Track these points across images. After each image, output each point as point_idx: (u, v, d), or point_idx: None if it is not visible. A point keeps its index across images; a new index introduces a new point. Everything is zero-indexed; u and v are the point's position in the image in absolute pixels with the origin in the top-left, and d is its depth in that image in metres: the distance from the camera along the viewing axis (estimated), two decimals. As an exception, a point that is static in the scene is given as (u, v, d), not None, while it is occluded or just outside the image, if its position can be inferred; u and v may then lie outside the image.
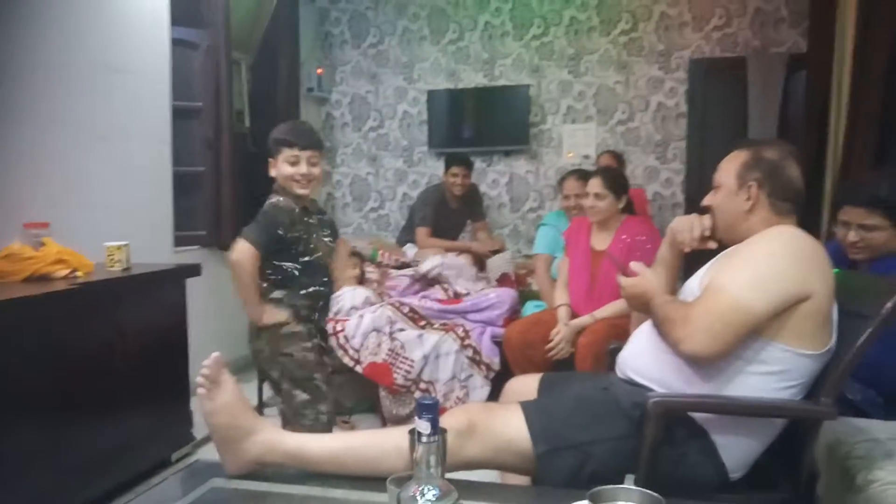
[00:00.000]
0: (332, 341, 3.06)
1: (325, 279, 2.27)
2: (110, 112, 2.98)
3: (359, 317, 3.21)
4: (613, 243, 2.87)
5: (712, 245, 1.69)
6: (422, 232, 4.33)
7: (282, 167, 2.17)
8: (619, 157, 4.54)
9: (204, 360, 1.41)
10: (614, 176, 2.98)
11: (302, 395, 2.18)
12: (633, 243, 2.84)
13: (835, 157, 3.68)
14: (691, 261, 1.80)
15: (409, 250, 4.29)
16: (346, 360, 3.09)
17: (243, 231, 2.13)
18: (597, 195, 2.88)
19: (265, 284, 2.18)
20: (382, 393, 3.12)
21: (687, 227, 1.70)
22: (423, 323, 3.30)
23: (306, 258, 2.19)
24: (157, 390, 2.68)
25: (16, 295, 2.02)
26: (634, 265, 1.68)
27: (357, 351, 3.11)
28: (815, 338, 1.45)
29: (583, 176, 3.45)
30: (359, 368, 3.10)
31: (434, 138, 5.34)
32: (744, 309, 1.39)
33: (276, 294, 2.18)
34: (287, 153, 2.16)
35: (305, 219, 2.20)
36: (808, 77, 4.22)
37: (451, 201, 4.44)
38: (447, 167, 4.38)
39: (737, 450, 1.48)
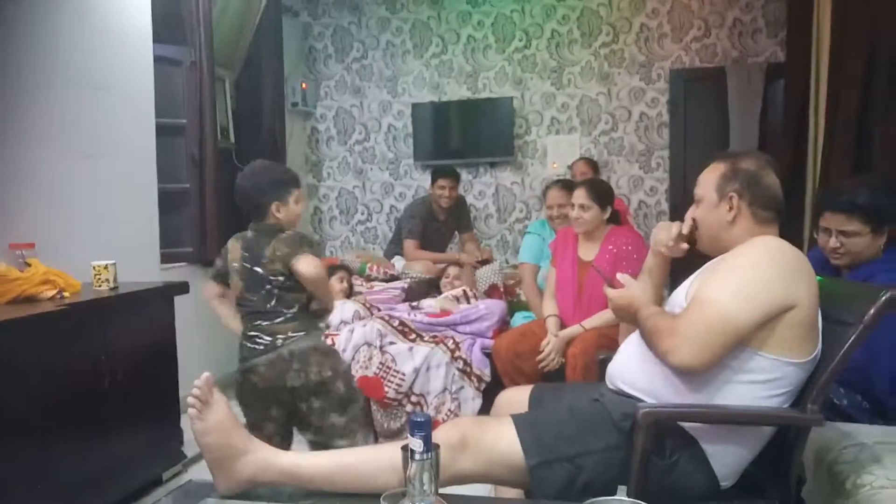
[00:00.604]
0: None
1: None
2: (94, 130, 2.97)
3: (349, 331, 3.20)
4: (600, 254, 2.89)
5: (683, 248, 1.73)
6: (410, 244, 4.34)
7: (294, 207, 2.23)
8: (594, 165, 4.58)
9: (195, 381, 1.41)
10: (600, 187, 2.98)
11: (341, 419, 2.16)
12: (620, 253, 2.86)
13: (814, 164, 3.74)
14: (677, 272, 1.82)
15: (398, 263, 4.30)
16: None
17: (295, 248, 2.11)
18: (582, 206, 2.88)
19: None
20: (374, 407, 3.11)
21: (665, 229, 1.75)
22: (412, 336, 3.30)
23: None
24: (148, 409, 2.66)
25: (2, 318, 2.00)
26: (621, 276, 1.70)
27: (348, 365, 3.11)
28: (801, 346, 1.47)
29: (566, 186, 3.47)
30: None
31: (420, 151, 5.36)
32: (730, 320, 1.40)
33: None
34: (297, 193, 2.24)
35: None
36: (786, 86, 4.29)
37: (439, 213, 4.45)
38: (434, 179, 4.39)
39: (727, 458, 1.49)
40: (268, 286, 2.14)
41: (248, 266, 2.16)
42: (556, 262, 3.07)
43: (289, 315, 2.14)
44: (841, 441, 1.69)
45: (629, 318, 1.65)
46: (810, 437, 1.54)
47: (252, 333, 2.14)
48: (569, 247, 3.02)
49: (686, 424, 1.49)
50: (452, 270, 4.05)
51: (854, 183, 2.24)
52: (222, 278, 2.29)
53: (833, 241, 2.11)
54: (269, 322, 2.13)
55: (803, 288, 1.45)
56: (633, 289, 1.66)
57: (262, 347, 2.11)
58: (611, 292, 1.68)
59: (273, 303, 2.14)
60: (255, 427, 2.12)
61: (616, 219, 3.07)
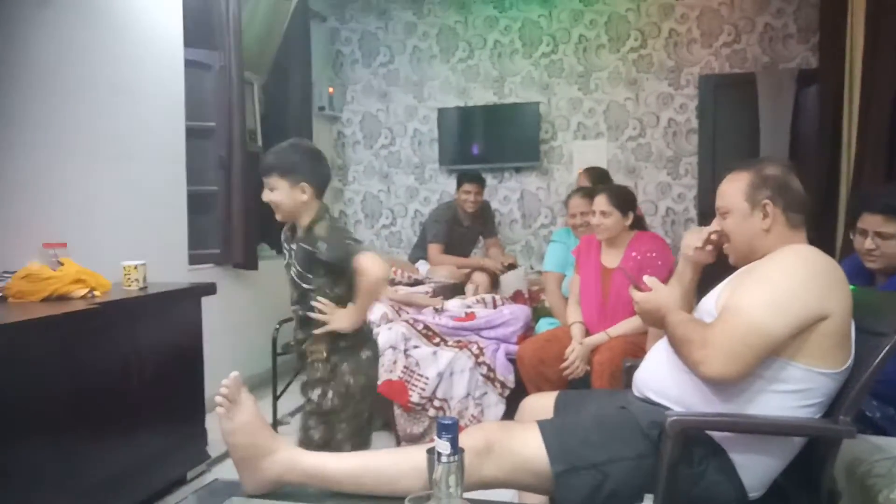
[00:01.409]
0: None
1: None
2: (125, 133, 3.02)
3: (374, 334, 3.22)
4: (624, 260, 2.87)
5: (711, 252, 1.73)
6: (434, 248, 4.35)
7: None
8: (598, 174, 4.09)
9: (223, 380, 1.42)
10: (620, 192, 2.96)
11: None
12: (644, 259, 2.83)
13: (848, 170, 3.68)
14: (706, 279, 1.80)
15: (422, 267, 4.30)
16: None
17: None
18: (603, 213, 2.86)
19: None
20: (397, 411, 3.11)
21: (695, 233, 1.75)
22: (436, 340, 3.30)
23: None
24: (173, 408, 2.69)
25: (35, 315, 2.04)
26: (648, 279, 1.67)
27: None
28: (834, 356, 1.44)
29: (588, 193, 3.45)
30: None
31: (445, 155, 5.37)
32: (762, 331, 1.38)
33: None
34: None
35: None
36: (819, 92, 4.23)
37: (464, 218, 4.45)
38: (459, 184, 4.40)
39: (756, 469, 1.47)
40: None
41: None
42: (580, 269, 3.05)
43: None
44: (873, 454, 1.65)
45: (656, 322, 1.62)
46: (842, 449, 1.51)
47: None
48: (592, 254, 3.00)
49: (714, 434, 1.48)
50: (479, 278, 4.04)
51: (894, 186, 2.22)
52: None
53: (869, 243, 2.11)
54: None
55: (836, 297, 1.42)
56: (661, 293, 1.62)
57: None
58: (637, 295, 1.65)
59: None
60: None
61: (641, 224, 3.04)
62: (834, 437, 1.46)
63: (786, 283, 1.43)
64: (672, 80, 5.01)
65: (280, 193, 2.07)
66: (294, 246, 2.14)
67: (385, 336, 3.19)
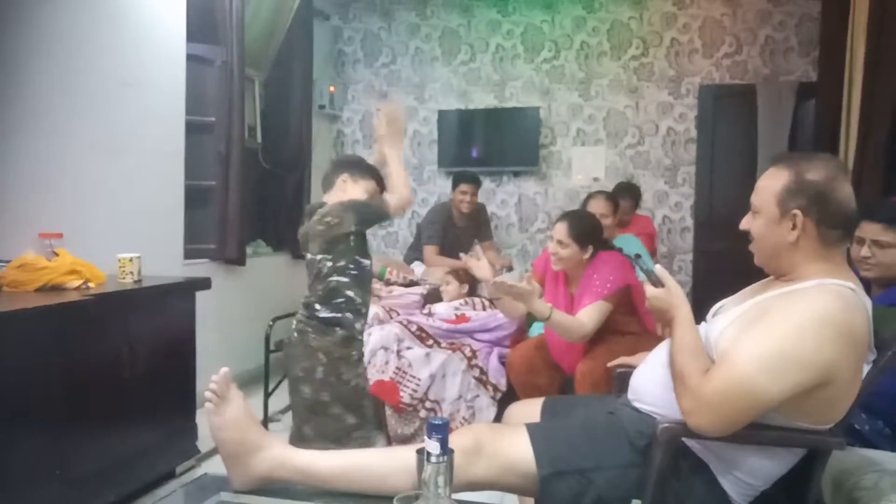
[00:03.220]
0: None
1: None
2: (125, 125, 3.01)
3: (367, 334, 3.21)
4: (582, 283, 2.70)
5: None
6: (429, 250, 4.35)
7: (359, 190, 2.23)
8: (614, 201, 3.59)
9: (213, 375, 1.42)
10: (584, 223, 2.73)
11: (352, 419, 2.09)
12: (598, 274, 2.65)
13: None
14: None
15: (417, 268, 4.30)
16: None
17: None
18: (560, 242, 2.67)
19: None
20: (388, 412, 3.11)
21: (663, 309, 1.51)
22: (430, 342, 3.30)
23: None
24: (164, 402, 2.69)
25: (30, 305, 2.03)
26: (659, 270, 1.53)
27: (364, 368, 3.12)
28: (829, 414, 1.39)
29: (609, 197, 3.44)
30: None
31: (444, 158, 5.38)
32: (756, 395, 1.29)
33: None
34: (369, 183, 2.26)
35: None
36: (817, 106, 4.24)
37: (459, 220, 4.45)
38: (455, 184, 4.40)
39: (740, 486, 1.46)
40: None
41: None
42: (547, 291, 2.84)
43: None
44: (861, 467, 1.66)
45: (665, 322, 1.51)
46: (830, 462, 1.51)
47: None
48: (560, 280, 2.83)
49: (698, 450, 1.46)
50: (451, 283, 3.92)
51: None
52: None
53: (865, 251, 2.12)
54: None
55: (847, 363, 1.31)
56: (675, 296, 1.48)
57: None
58: (651, 290, 1.51)
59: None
60: None
61: (606, 246, 2.83)
62: (823, 450, 1.47)
63: (792, 344, 1.29)
64: (672, 89, 5.03)
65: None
66: None
67: (377, 336, 3.19)
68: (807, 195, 1.39)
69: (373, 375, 3.08)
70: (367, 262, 2.15)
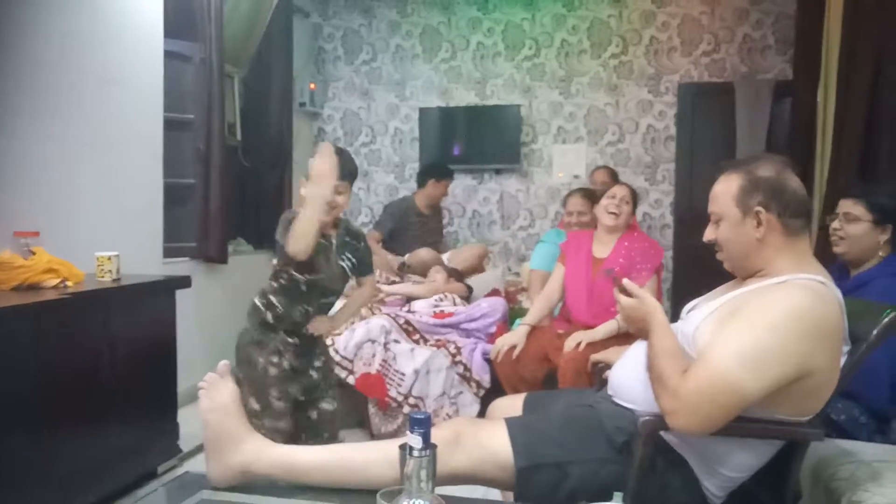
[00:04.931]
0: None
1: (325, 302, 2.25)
2: (102, 122, 2.98)
3: (350, 330, 3.21)
4: (615, 249, 2.91)
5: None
6: (372, 234, 4.38)
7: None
8: (614, 174, 4.51)
9: (192, 374, 1.44)
10: (633, 190, 3.08)
11: (253, 404, 2.10)
12: (634, 250, 2.89)
13: (821, 181, 3.75)
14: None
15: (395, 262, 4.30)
16: (339, 372, 3.06)
17: None
18: (623, 198, 2.95)
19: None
20: (371, 410, 3.11)
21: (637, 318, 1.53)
22: (416, 336, 3.30)
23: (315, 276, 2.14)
24: (146, 402, 2.66)
25: (6, 304, 2.00)
26: (628, 284, 1.55)
27: (350, 361, 3.11)
28: (809, 406, 1.42)
29: (588, 195, 3.49)
30: (351, 379, 3.09)
31: (425, 155, 5.37)
32: (736, 391, 1.30)
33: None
34: (343, 184, 2.17)
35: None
36: (793, 103, 4.30)
37: (427, 213, 4.50)
38: (438, 178, 4.43)
39: (717, 479, 1.48)
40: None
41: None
42: (568, 260, 3.04)
43: None
44: (838, 458, 1.69)
45: (639, 331, 1.53)
46: (808, 452, 1.53)
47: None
48: (582, 246, 3.03)
49: (676, 444, 1.48)
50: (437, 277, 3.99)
51: (875, 185, 2.52)
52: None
53: (836, 223, 2.25)
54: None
55: (825, 355, 1.35)
56: (649, 303, 1.50)
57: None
58: (624, 300, 1.53)
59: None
60: None
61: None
62: (801, 441, 1.49)
63: (770, 340, 1.31)
64: (652, 87, 5.07)
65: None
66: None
67: (363, 329, 3.18)
68: (763, 190, 1.45)
69: (359, 368, 3.08)
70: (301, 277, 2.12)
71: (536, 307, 3.04)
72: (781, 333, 1.31)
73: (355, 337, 3.14)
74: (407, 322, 3.34)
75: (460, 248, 4.56)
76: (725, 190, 1.50)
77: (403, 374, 3.09)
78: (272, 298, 2.16)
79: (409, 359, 3.13)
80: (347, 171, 2.13)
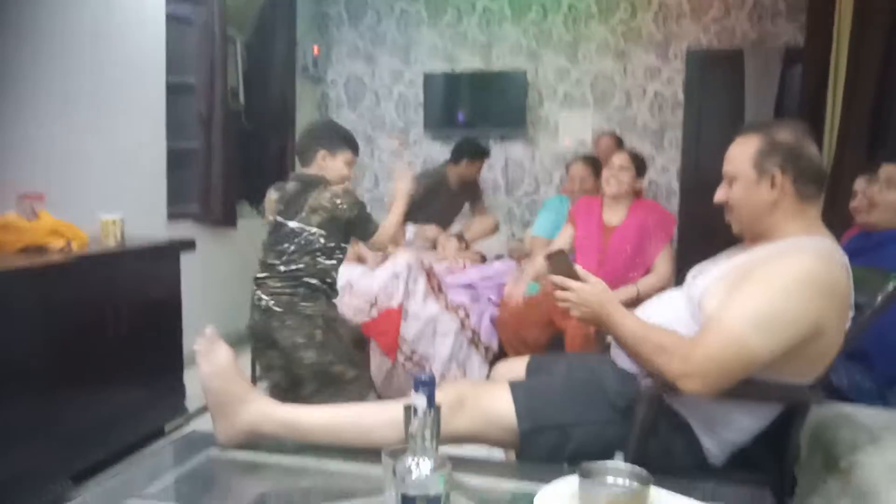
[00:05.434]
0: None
1: None
2: (105, 86, 2.96)
3: (373, 273, 3.28)
4: (628, 218, 2.90)
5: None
6: None
7: (340, 165, 2.34)
8: (619, 141, 4.45)
9: (199, 338, 1.45)
10: (638, 156, 3.05)
11: (350, 372, 2.31)
12: (648, 220, 2.88)
13: (829, 149, 3.71)
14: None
15: (409, 229, 4.27)
16: (357, 314, 3.10)
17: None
18: (621, 167, 2.91)
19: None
20: (374, 371, 3.12)
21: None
22: (434, 282, 3.30)
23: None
24: (152, 362, 2.69)
25: (13, 265, 2.01)
26: (580, 270, 1.51)
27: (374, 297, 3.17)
28: (815, 367, 1.43)
29: (591, 162, 3.47)
30: (374, 311, 3.12)
31: (430, 121, 5.33)
32: (747, 354, 1.32)
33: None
34: (349, 155, 2.35)
35: None
36: (803, 70, 4.24)
37: (456, 187, 4.34)
38: (471, 157, 4.26)
39: (718, 441, 1.49)
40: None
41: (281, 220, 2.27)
42: (579, 225, 3.03)
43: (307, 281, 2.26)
44: (838, 421, 1.70)
45: (593, 317, 1.47)
46: (808, 416, 1.54)
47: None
48: (593, 212, 3.00)
49: (678, 408, 1.48)
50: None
51: None
52: None
53: (876, 188, 2.18)
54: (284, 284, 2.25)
55: (834, 314, 1.36)
56: (603, 289, 1.48)
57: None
58: (576, 284, 1.47)
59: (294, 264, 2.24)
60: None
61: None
62: (803, 404, 1.50)
63: (781, 302, 1.32)
64: (660, 53, 5.00)
65: None
66: None
67: (388, 266, 3.23)
68: (781, 153, 1.44)
69: (382, 303, 3.13)
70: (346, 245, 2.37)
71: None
72: (793, 296, 1.32)
73: (378, 278, 3.20)
74: (430, 265, 3.36)
75: (472, 220, 4.50)
76: (743, 151, 1.49)
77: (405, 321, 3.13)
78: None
79: (421, 305, 3.15)
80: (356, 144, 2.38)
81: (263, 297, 2.25)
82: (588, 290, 1.47)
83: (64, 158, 2.75)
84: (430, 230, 4.16)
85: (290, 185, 2.33)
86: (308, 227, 2.24)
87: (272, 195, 2.37)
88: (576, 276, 1.49)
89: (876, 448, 1.53)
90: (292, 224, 2.25)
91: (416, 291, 3.17)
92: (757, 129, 1.50)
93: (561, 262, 1.52)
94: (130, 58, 3.12)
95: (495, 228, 4.44)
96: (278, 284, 2.24)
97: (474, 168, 4.29)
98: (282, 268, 2.24)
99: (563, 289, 1.48)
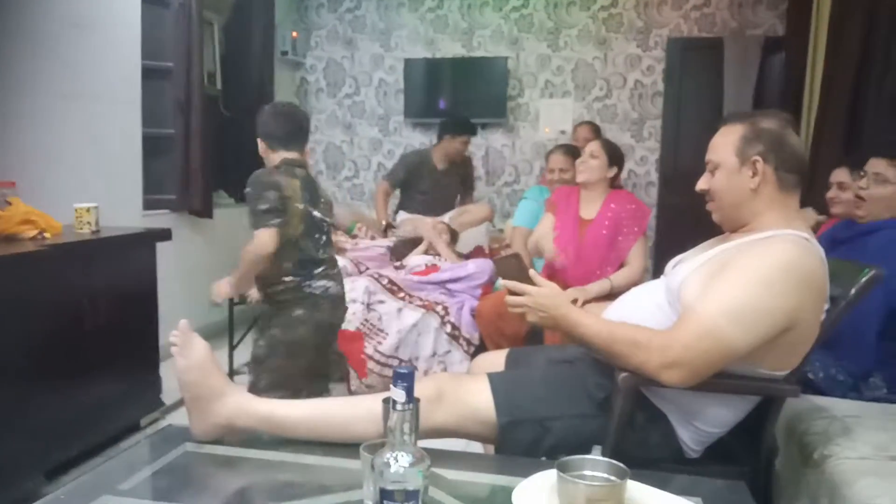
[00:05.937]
0: None
1: None
2: (78, 71, 2.90)
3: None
4: (601, 211, 2.87)
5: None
6: (382, 184, 4.30)
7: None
8: (597, 130, 4.42)
9: (173, 330, 1.42)
10: (612, 145, 3.00)
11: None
12: (621, 212, 2.85)
13: (807, 138, 3.75)
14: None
15: (400, 217, 4.24)
16: None
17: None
18: (591, 155, 2.87)
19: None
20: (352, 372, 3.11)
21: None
22: (402, 294, 3.29)
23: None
24: (127, 355, 2.66)
25: (-18, 255, 1.97)
26: (534, 275, 1.51)
27: None
28: (790, 361, 1.44)
29: (569, 151, 3.45)
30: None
31: (410, 108, 5.29)
32: (727, 347, 1.34)
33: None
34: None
35: None
36: (785, 60, 4.27)
37: (444, 168, 4.27)
38: (454, 133, 4.18)
39: (695, 433, 1.50)
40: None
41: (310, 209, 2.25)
42: (558, 215, 3.00)
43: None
44: (812, 413, 1.73)
45: (550, 320, 1.48)
46: (783, 408, 1.56)
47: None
48: (570, 204, 2.97)
49: (656, 399, 1.49)
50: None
51: None
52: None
53: (863, 183, 2.19)
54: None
55: (810, 307, 1.38)
56: (558, 293, 1.49)
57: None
58: (533, 289, 1.48)
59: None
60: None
61: (618, 186, 3.07)
62: (777, 397, 1.52)
63: (758, 295, 1.34)
64: (641, 41, 5.00)
65: None
66: None
67: (346, 289, 3.16)
68: (764, 141, 1.45)
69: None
70: None
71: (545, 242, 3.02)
72: (769, 288, 1.34)
73: None
74: (390, 281, 3.33)
75: (464, 208, 4.45)
76: (726, 139, 1.50)
77: (386, 334, 3.08)
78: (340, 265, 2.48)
79: (395, 319, 3.12)
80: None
81: (330, 285, 2.27)
82: (544, 294, 1.48)
83: (36, 146, 2.69)
84: (423, 226, 4.07)
85: (299, 171, 2.30)
86: (326, 217, 2.32)
87: (294, 182, 2.23)
88: (529, 281, 1.49)
89: (848, 439, 1.56)
90: (316, 214, 2.25)
91: (388, 310, 3.15)
92: (741, 118, 1.52)
93: (512, 267, 1.52)
94: (105, 42, 3.05)
95: (488, 217, 4.39)
96: (334, 271, 2.32)
97: (458, 144, 4.20)
98: (323, 255, 2.29)
99: (517, 293, 1.49)
